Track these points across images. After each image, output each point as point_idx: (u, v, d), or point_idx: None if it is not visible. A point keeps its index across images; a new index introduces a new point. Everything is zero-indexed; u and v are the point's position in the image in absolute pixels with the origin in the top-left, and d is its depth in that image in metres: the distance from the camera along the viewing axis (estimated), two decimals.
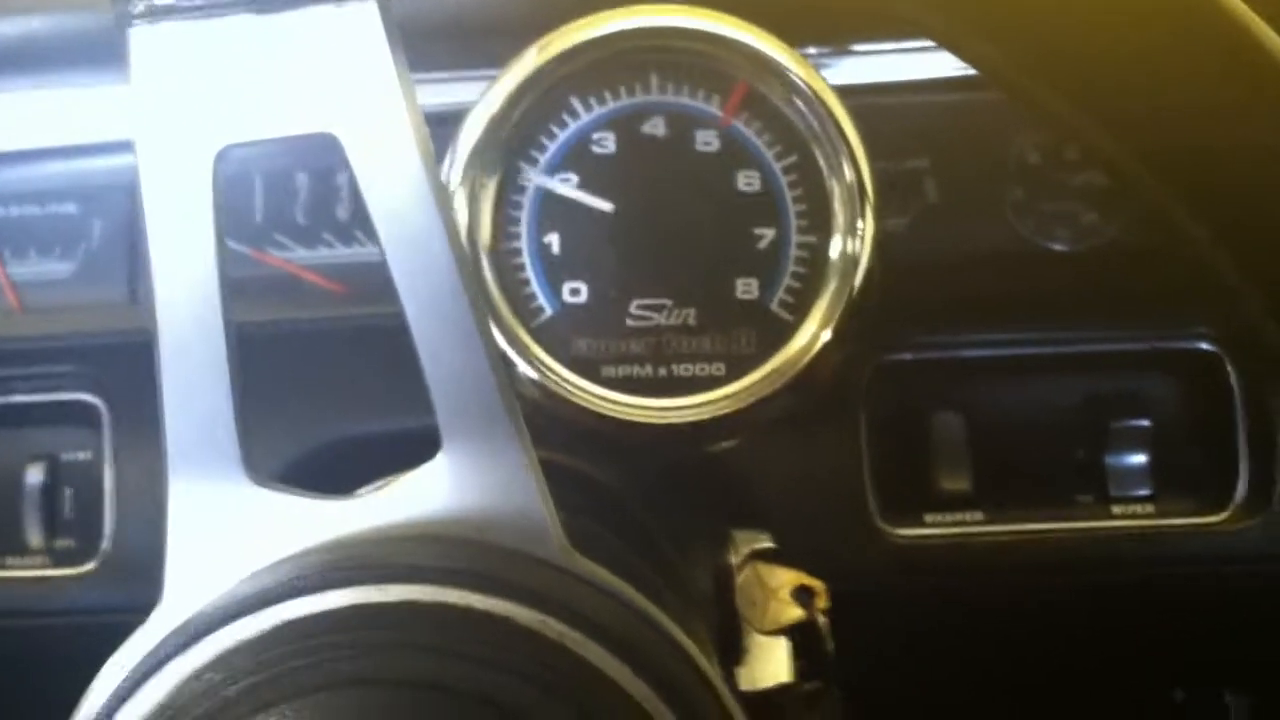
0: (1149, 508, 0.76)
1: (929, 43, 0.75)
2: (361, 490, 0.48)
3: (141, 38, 0.44)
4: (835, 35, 0.77)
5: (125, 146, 0.78)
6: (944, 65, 0.77)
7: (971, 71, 0.75)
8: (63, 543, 0.78)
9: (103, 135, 0.81)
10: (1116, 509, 0.76)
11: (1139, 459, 0.76)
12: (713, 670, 0.46)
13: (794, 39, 0.71)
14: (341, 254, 0.80)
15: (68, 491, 0.79)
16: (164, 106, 0.45)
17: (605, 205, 0.72)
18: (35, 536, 0.78)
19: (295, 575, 0.43)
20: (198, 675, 0.42)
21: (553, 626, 0.42)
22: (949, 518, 0.76)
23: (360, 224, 0.80)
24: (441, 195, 0.46)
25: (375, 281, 0.77)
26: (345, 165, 0.79)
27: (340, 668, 0.41)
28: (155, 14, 0.44)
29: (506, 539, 0.45)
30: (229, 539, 0.46)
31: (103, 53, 0.76)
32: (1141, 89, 0.41)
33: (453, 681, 0.41)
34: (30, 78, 0.81)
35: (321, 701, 0.41)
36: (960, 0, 0.41)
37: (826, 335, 0.70)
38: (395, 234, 0.45)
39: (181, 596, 0.45)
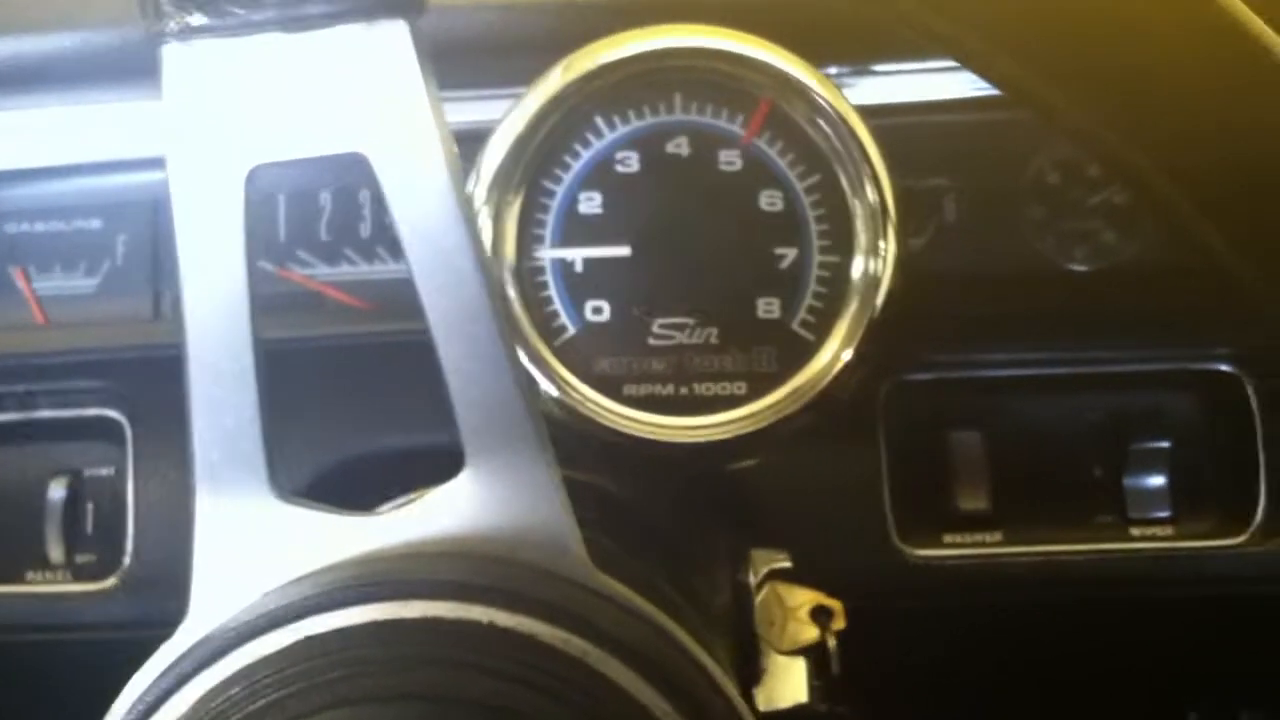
0: (1168, 529, 0.76)
1: (949, 62, 0.76)
2: (385, 506, 0.48)
3: (174, 56, 0.45)
4: (857, 55, 0.77)
5: (150, 163, 0.80)
6: (964, 85, 0.77)
7: (991, 91, 0.76)
8: (84, 558, 0.78)
9: (128, 152, 0.81)
10: (1136, 530, 0.76)
11: (1158, 480, 0.76)
12: (733, 690, 0.46)
13: (815, 58, 0.71)
14: (363, 271, 0.80)
15: (90, 507, 0.79)
16: (196, 125, 0.45)
17: (623, 250, 0.72)
18: (57, 551, 0.78)
19: (320, 591, 0.44)
20: (222, 689, 0.42)
21: (575, 643, 0.42)
22: (968, 538, 0.76)
23: (382, 241, 0.80)
24: (470, 215, 0.46)
25: (397, 298, 0.79)
26: (367, 183, 0.79)
27: (364, 683, 0.41)
28: (188, 33, 0.44)
29: (530, 556, 0.46)
30: (255, 554, 0.46)
31: (128, 69, 0.77)
32: (1166, 104, 0.41)
33: (475, 697, 0.41)
34: (56, 94, 0.81)
35: (345, 716, 0.41)
36: (988, 18, 0.41)
37: (848, 354, 0.70)
38: (423, 253, 0.46)
39: (207, 611, 0.45)
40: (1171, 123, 0.41)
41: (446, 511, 0.47)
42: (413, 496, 0.47)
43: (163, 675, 0.44)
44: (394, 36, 0.45)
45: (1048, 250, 0.78)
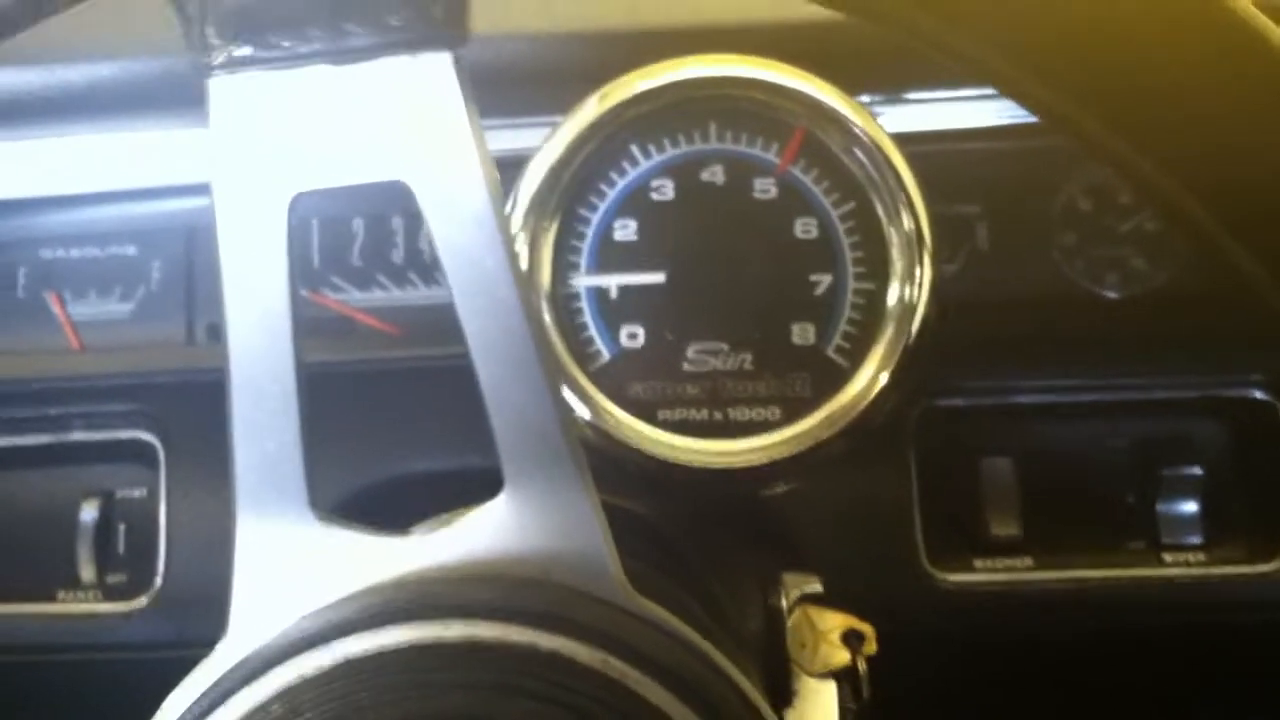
0: (1200, 556, 0.76)
1: (980, 90, 0.77)
2: (423, 527, 0.49)
3: (220, 87, 0.45)
4: (888, 83, 0.77)
5: (185, 190, 0.81)
6: (995, 113, 0.78)
7: (1022, 119, 0.77)
8: (115, 578, 0.79)
9: (163, 179, 0.82)
10: (1167, 557, 0.76)
11: (1190, 507, 0.76)
12: (771, 714, 0.46)
13: (847, 87, 0.71)
14: (395, 296, 0.81)
15: (122, 528, 0.79)
16: (241, 154, 0.46)
17: (658, 277, 0.72)
18: (88, 572, 0.78)
19: (359, 611, 0.44)
20: (262, 709, 0.42)
21: (614, 666, 0.42)
22: (998, 564, 0.76)
23: (414, 267, 0.81)
24: (510, 243, 0.46)
25: (428, 323, 0.80)
26: (400, 210, 0.80)
27: (403, 705, 0.41)
28: (234, 64, 0.44)
29: (568, 579, 0.46)
30: (294, 574, 0.46)
31: (164, 98, 0.78)
32: (1197, 126, 0.41)
33: (514, 719, 0.41)
34: (92, 121, 0.82)
35: None
36: (1015, 41, 0.42)
37: (883, 380, 0.70)
38: (464, 278, 0.46)
39: (246, 630, 0.45)
40: (1202, 144, 0.41)
41: (486, 533, 0.47)
42: (450, 517, 0.48)
43: (203, 694, 0.44)
44: (438, 68, 0.45)
45: (1079, 277, 0.79)
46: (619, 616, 0.45)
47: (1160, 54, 0.41)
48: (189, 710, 0.44)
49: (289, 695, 0.42)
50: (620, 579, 0.46)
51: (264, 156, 0.46)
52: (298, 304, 0.46)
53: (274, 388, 0.46)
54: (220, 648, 0.45)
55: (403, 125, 0.45)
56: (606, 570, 0.46)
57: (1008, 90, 0.44)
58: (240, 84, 0.45)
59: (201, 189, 0.46)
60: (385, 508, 0.69)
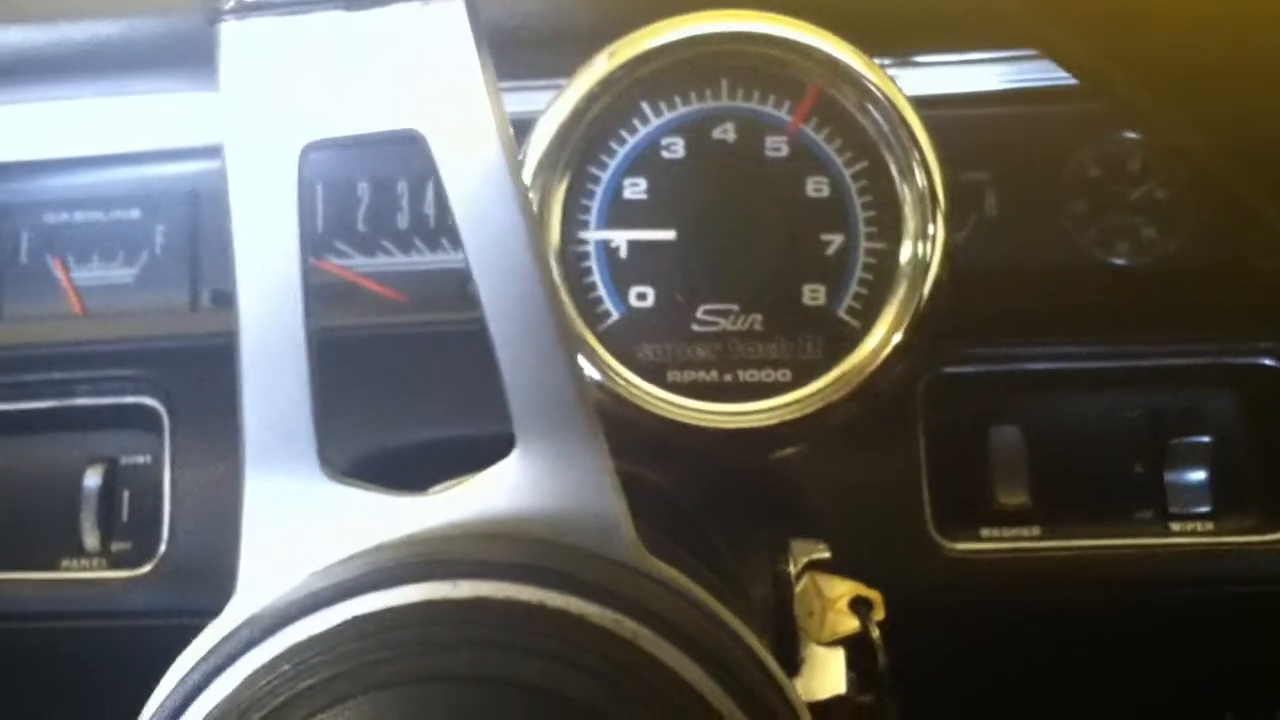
0: (1208, 525, 0.76)
1: (989, 54, 0.76)
2: (435, 488, 0.48)
3: (231, 34, 0.45)
4: (898, 46, 0.77)
5: (190, 154, 0.81)
6: (1004, 77, 0.77)
7: (1032, 84, 0.76)
8: (119, 545, 0.79)
9: (167, 142, 0.81)
10: (1175, 526, 0.76)
11: (1198, 476, 0.76)
12: (782, 674, 0.46)
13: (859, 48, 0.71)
14: (400, 262, 0.80)
15: (126, 494, 0.79)
16: (252, 102, 0.45)
17: (668, 235, 0.72)
18: (92, 539, 0.78)
19: (369, 570, 0.44)
20: (272, 667, 0.42)
21: (626, 625, 0.42)
22: (1006, 532, 0.76)
23: (419, 232, 0.81)
24: (524, 196, 0.46)
25: (434, 290, 0.79)
26: (404, 174, 0.80)
27: (413, 663, 0.41)
28: (245, 10, 0.44)
29: (579, 538, 0.46)
30: (304, 532, 0.46)
31: (170, 59, 0.77)
32: (1234, 89, 0.41)
33: (524, 678, 0.41)
34: (95, 83, 0.81)
35: (394, 696, 0.41)
36: (1058, 4, 0.41)
37: (895, 341, 0.70)
38: (477, 230, 0.46)
39: (255, 589, 0.45)
40: (1236, 105, 0.41)
41: (496, 492, 0.46)
42: (462, 479, 0.47)
43: (212, 652, 0.44)
44: (450, 15, 0.45)
45: (1088, 245, 0.78)
46: (631, 576, 0.45)
47: (1201, 17, 0.40)
48: (198, 669, 0.43)
49: (298, 654, 0.42)
50: (632, 539, 0.46)
51: (275, 104, 0.45)
52: (308, 255, 0.46)
53: (284, 343, 0.46)
54: (229, 606, 0.45)
55: (415, 74, 0.45)
56: (618, 530, 0.46)
57: (1043, 49, 0.44)
58: (251, 30, 0.45)
59: (206, 152, 0.46)
60: (392, 474, 0.68)
